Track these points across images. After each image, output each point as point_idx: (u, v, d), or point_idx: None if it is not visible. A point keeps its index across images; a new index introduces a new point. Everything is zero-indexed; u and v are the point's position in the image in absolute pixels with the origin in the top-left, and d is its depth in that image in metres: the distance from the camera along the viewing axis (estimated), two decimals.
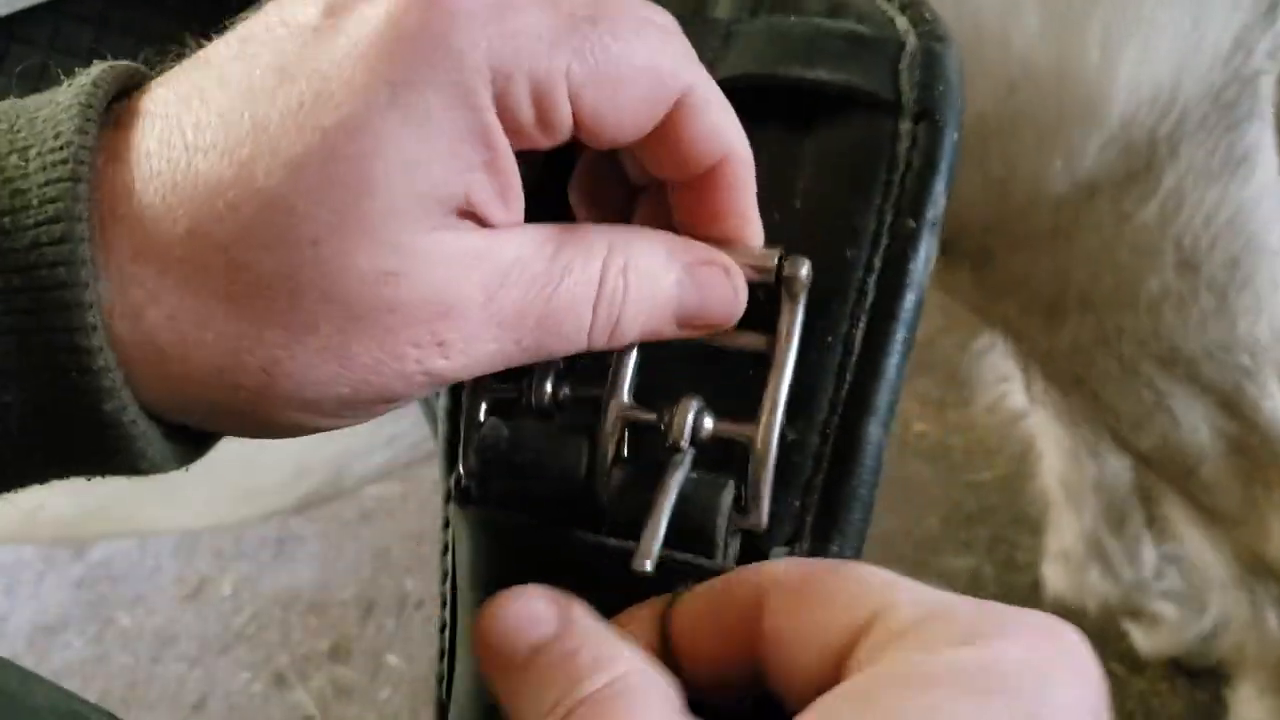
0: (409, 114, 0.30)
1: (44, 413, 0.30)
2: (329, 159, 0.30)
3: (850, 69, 0.38)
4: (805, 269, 0.36)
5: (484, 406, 0.39)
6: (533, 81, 0.32)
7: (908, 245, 0.37)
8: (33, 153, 0.30)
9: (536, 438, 0.38)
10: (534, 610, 0.33)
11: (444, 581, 0.43)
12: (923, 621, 0.29)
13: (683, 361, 0.38)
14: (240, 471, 0.80)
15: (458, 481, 0.41)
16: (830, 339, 0.37)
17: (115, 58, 0.33)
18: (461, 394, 0.40)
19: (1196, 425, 0.85)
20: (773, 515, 0.36)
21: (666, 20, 0.35)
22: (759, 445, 0.36)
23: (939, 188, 0.37)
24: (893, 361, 0.37)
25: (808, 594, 0.32)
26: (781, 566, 0.33)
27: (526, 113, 0.32)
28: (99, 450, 0.31)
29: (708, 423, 0.36)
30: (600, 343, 0.34)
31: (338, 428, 0.34)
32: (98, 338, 0.30)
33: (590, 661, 0.31)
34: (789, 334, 0.36)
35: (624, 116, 0.33)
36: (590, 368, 0.38)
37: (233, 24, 0.33)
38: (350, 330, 0.31)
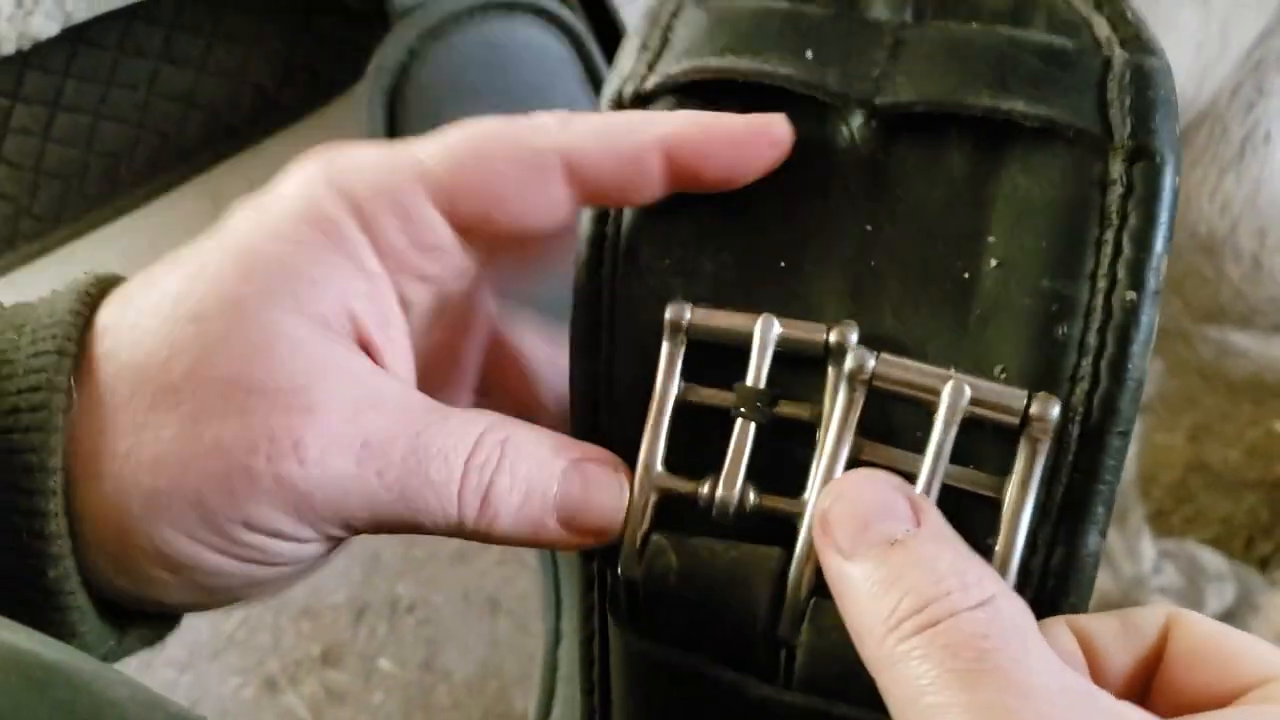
0: (291, 240, 0.32)
1: None
2: (226, 263, 0.32)
3: (1050, 97, 0.32)
4: (1056, 410, 0.31)
5: (652, 500, 0.35)
6: (390, 200, 0.33)
7: (1129, 322, 0.31)
8: (26, 329, 0.32)
9: (712, 570, 0.33)
10: (890, 502, 0.30)
11: (589, 667, 0.39)
12: None
13: None
14: None
15: (612, 586, 0.36)
16: None
17: (186, 59, 0.33)
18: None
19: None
20: None
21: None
22: None
23: (1160, 247, 0.32)
24: (1112, 464, 0.32)
25: (1217, 642, 0.30)
26: (1190, 614, 0.31)
27: (396, 235, 0.33)
28: (36, 613, 0.31)
29: None
30: (470, 514, 0.33)
31: (207, 571, 0.33)
32: (55, 503, 0.30)
33: (954, 572, 0.28)
34: (1027, 479, 0.31)
35: (510, 202, 0.33)
36: (779, 474, 0.34)
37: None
38: (207, 407, 0.30)
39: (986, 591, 0.28)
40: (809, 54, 0.34)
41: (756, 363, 0.34)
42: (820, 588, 0.32)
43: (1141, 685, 0.31)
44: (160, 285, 0.33)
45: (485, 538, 0.33)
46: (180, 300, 0.32)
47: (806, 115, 0.35)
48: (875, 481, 0.31)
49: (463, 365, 0.40)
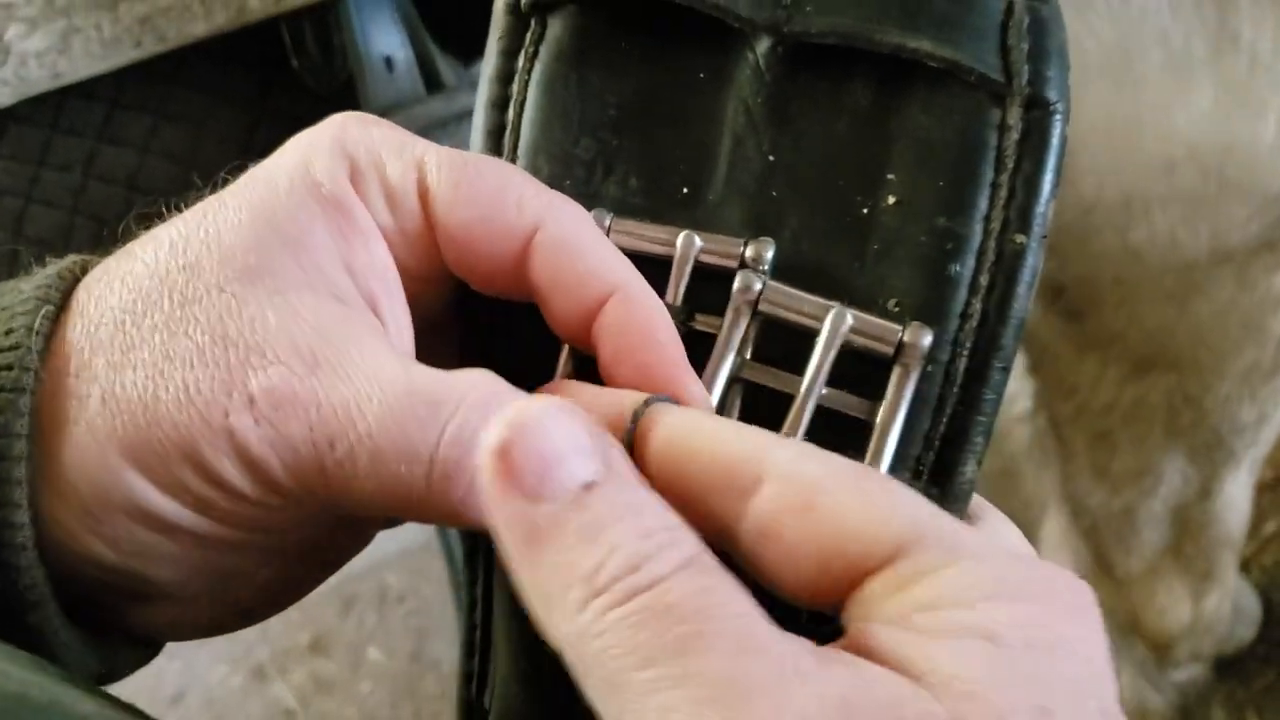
0: (293, 199, 0.31)
1: None
2: (226, 215, 0.31)
3: (955, 38, 0.32)
4: (927, 340, 0.31)
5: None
6: (382, 175, 0.32)
7: (1016, 264, 0.32)
8: None
9: None
10: (581, 441, 0.25)
11: (473, 585, 0.38)
12: (950, 567, 0.25)
13: (776, 416, 0.32)
14: None
15: None
16: (930, 367, 0.32)
17: (128, 139, 0.31)
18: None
19: (1171, 494, 0.84)
20: None
21: None
22: None
23: (1048, 193, 0.32)
24: (992, 397, 0.32)
25: (821, 501, 0.26)
26: (793, 457, 0.27)
27: (378, 201, 0.32)
28: (24, 647, 0.29)
29: None
30: (439, 499, 0.29)
31: (173, 523, 0.30)
32: (27, 557, 0.29)
33: (660, 525, 0.24)
34: (896, 404, 0.32)
35: (476, 195, 0.32)
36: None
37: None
38: (180, 352, 0.29)
39: (687, 547, 0.24)
40: None
41: (676, 278, 0.33)
42: None
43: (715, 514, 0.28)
44: (159, 235, 0.31)
45: (452, 521, 0.30)
46: (175, 248, 0.31)
47: (713, 39, 0.34)
48: (563, 411, 0.25)
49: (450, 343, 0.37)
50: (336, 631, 1.48)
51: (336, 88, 0.39)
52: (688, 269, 0.33)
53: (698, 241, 0.33)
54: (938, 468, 0.33)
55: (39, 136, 0.38)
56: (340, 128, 0.33)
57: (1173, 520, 0.86)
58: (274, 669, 1.46)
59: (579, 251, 0.31)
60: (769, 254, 0.33)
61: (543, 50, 0.35)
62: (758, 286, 0.32)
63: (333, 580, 1.18)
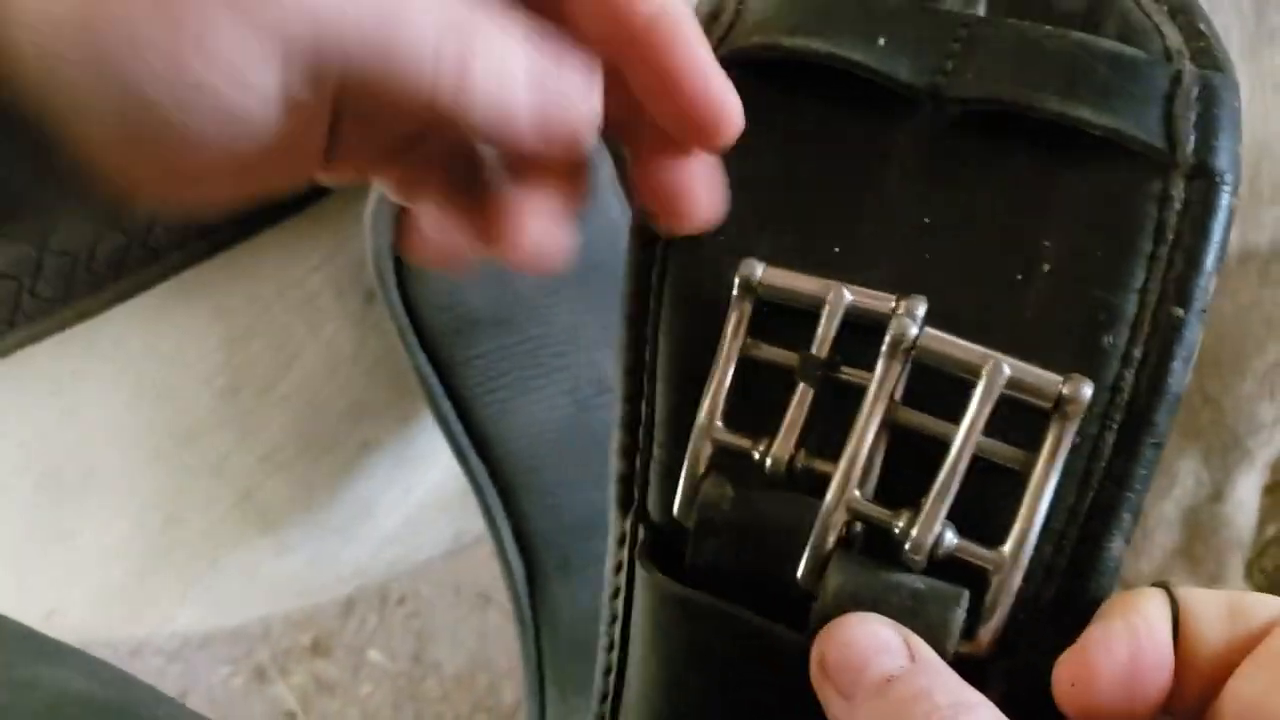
0: None
1: None
2: None
3: (1117, 107, 0.31)
4: (1088, 391, 0.30)
5: (708, 451, 0.34)
6: None
7: (1172, 338, 0.30)
8: None
9: (763, 507, 0.33)
10: (884, 641, 0.30)
11: (612, 623, 0.38)
12: None
13: (923, 463, 0.32)
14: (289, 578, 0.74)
15: (644, 529, 0.36)
16: (1078, 439, 0.31)
17: None
18: (639, 432, 0.36)
19: (1184, 496, 0.84)
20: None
21: None
22: (1000, 581, 0.31)
23: (1210, 266, 0.31)
24: (1143, 473, 0.31)
25: None
26: None
27: None
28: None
29: (949, 538, 0.31)
30: (447, 83, 0.28)
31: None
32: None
33: (947, 701, 0.28)
34: (1053, 457, 0.30)
35: None
36: (830, 437, 0.33)
37: None
38: None
39: (977, 715, 0.28)
40: (881, 41, 0.33)
41: (824, 330, 0.33)
42: (843, 540, 0.32)
43: (1228, 672, 0.29)
44: None
45: (453, 114, 0.29)
46: None
47: (874, 102, 0.34)
48: (867, 622, 0.30)
49: None
50: (337, 633, 1.47)
51: None
52: (837, 320, 0.33)
53: (847, 295, 0.32)
54: (1081, 542, 0.31)
55: None
56: None
57: (1184, 522, 0.86)
58: (275, 670, 1.45)
59: None
60: (920, 310, 0.32)
61: None
62: (914, 332, 0.31)
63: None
